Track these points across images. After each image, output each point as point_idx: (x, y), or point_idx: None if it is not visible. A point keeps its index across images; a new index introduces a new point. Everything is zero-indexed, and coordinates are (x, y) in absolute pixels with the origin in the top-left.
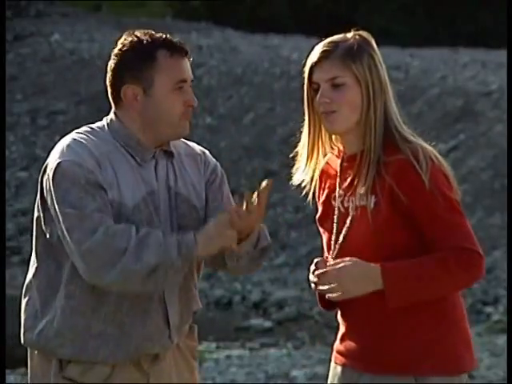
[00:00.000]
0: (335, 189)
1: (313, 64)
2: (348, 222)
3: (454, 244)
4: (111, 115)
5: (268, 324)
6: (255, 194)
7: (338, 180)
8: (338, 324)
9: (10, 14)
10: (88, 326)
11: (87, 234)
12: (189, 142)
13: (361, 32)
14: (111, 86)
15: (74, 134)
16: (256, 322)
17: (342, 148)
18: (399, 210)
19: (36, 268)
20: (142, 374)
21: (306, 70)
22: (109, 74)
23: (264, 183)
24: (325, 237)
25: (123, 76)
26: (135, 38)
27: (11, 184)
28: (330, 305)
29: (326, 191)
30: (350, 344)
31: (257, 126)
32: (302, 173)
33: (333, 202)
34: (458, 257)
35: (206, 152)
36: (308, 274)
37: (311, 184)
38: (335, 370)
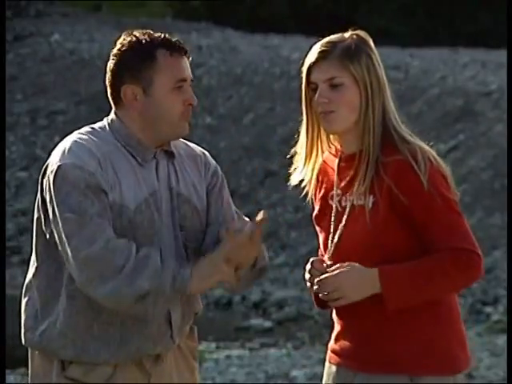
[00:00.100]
0: (332, 188)
1: (311, 64)
2: (344, 221)
3: (453, 245)
4: (112, 115)
5: (268, 324)
6: (251, 226)
7: (335, 179)
8: (333, 323)
9: (10, 14)
10: (90, 327)
11: (86, 243)
12: (189, 143)
13: (358, 31)
14: (111, 86)
15: (75, 135)
16: (256, 321)
17: (339, 147)
18: (397, 210)
19: (36, 268)
20: (144, 373)
21: (304, 70)
22: (108, 74)
23: (259, 216)
24: (321, 236)
25: (122, 76)
26: (134, 38)
27: (11, 184)
28: (325, 303)
29: (323, 190)
30: (344, 343)
31: (257, 126)
32: (301, 173)
33: (330, 201)
34: (456, 258)
35: (206, 153)
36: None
37: (310, 183)
38: (330, 369)
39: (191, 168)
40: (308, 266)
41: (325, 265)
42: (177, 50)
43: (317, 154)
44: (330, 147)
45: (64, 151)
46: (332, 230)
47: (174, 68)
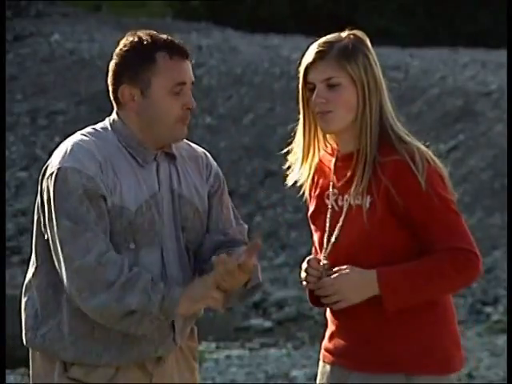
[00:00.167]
0: (328, 187)
1: (308, 64)
2: (341, 220)
3: (451, 245)
4: (114, 115)
5: (268, 324)
6: (243, 253)
7: (331, 178)
8: (327, 321)
9: (10, 14)
10: (91, 330)
11: (78, 253)
12: (191, 143)
13: (355, 31)
14: (111, 85)
15: (77, 136)
16: (256, 321)
17: (335, 146)
18: (395, 210)
19: (36, 268)
20: (146, 374)
21: (301, 70)
22: (109, 74)
23: (253, 242)
24: (316, 235)
25: (122, 76)
26: (136, 39)
27: (11, 184)
28: (320, 302)
29: (319, 189)
30: (339, 342)
31: (257, 126)
32: (298, 172)
33: (326, 200)
34: (454, 258)
35: (208, 154)
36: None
37: (307, 182)
38: (324, 368)
39: (192, 169)
40: (304, 265)
41: (321, 263)
42: (178, 53)
43: (313, 154)
44: (326, 146)
45: (65, 153)
46: (328, 229)
47: (174, 71)
